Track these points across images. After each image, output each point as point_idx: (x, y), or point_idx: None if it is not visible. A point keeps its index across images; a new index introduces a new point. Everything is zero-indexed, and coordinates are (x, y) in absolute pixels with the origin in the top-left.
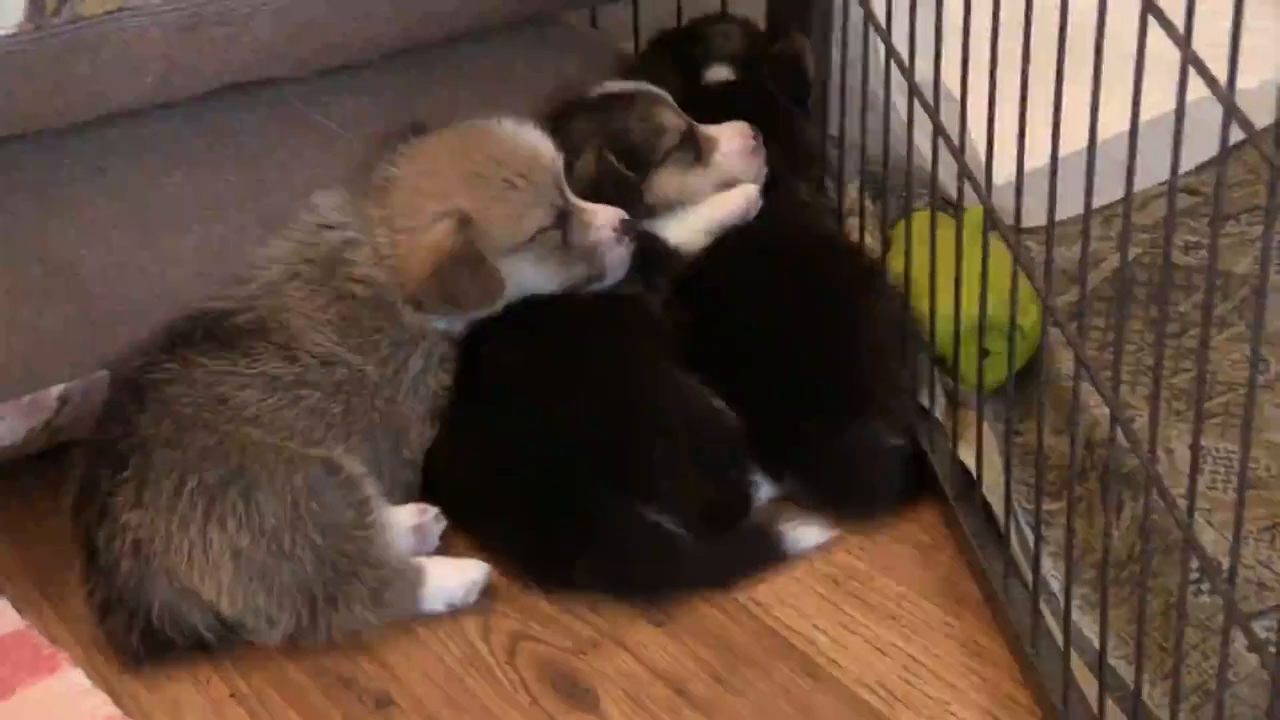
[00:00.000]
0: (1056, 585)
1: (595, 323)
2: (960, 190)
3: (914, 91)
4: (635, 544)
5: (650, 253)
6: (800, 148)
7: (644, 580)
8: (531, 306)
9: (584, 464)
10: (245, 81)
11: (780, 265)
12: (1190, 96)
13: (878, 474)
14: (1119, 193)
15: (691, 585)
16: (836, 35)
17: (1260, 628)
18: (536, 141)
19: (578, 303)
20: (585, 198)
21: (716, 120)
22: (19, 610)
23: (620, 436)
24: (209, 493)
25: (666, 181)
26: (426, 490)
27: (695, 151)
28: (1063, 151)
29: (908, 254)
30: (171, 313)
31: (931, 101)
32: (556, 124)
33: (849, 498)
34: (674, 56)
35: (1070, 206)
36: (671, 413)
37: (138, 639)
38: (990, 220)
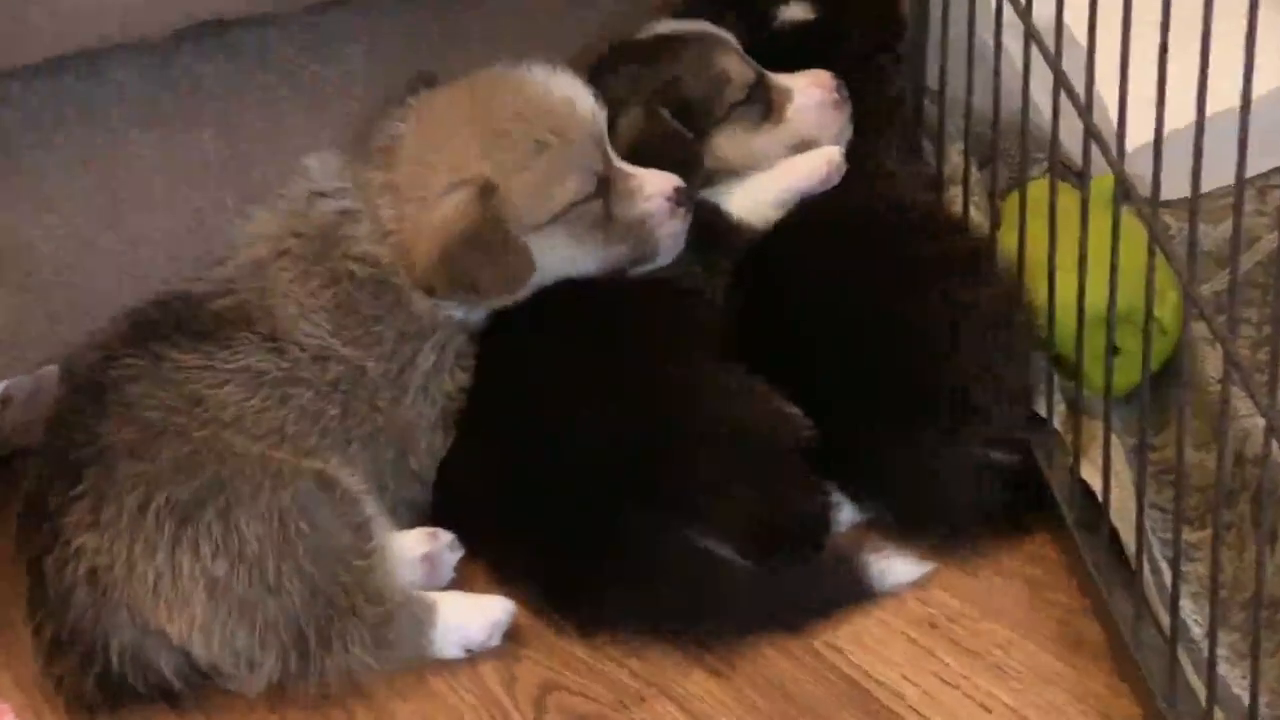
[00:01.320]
0: (1198, 630)
1: (642, 312)
2: (1086, 155)
3: (1031, 34)
4: (679, 573)
5: (709, 228)
6: (891, 103)
7: (693, 618)
8: (565, 293)
9: (622, 478)
10: (226, 21)
11: (865, 244)
12: None
13: (981, 495)
14: (1278, 159)
15: (753, 625)
16: None
17: None
18: (573, 93)
19: (621, 288)
20: (631, 161)
21: (790, 68)
22: None
23: (660, 445)
24: (180, 511)
25: (729, 142)
26: (438, 511)
27: (764, 106)
28: (1210, 110)
29: (1022, 231)
30: (136, 298)
31: (1052, 47)
32: (597, 72)
33: (946, 523)
34: None
35: (1218, 175)
36: (720, 416)
37: (94, 685)
38: (1122, 191)
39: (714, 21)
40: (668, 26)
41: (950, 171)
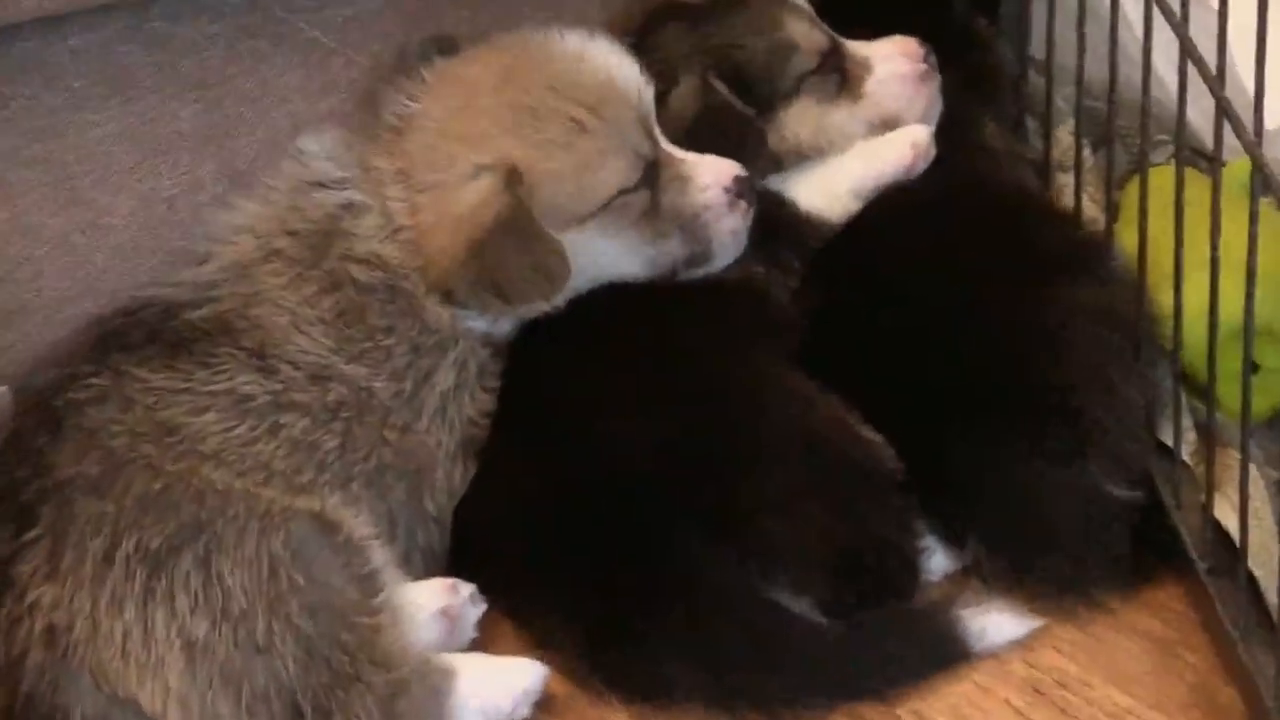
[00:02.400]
0: None
1: (698, 319)
2: (1218, 136)
3: None
4: (744, 629)
5: (775, 222)
6: (989, 73)
7: (759, 683)
8: (607, 300)
9: (678, 513)
10: None
11: (960, 239)
12: None
13: (1097, 537)
14: None
15: (829, 692)
16: None
17: None
18: (614, 63)
19: (673, 293)
20: (684, 144)
21: (870, 34)
22: None
23: (724, 466)
24: (152, 559)
25: (799, 121)
26: (458, 558)
27: (839, 78)
28: None
29: (1143, 225)
30: (100, 305)
31: (1177, 9)
32: (644, 39)
33: (1055, 570)
34: None
35: None
36: (795, 430)
37: None
38: (1261, 179)
39: None
40: None
41: (1059, 155)
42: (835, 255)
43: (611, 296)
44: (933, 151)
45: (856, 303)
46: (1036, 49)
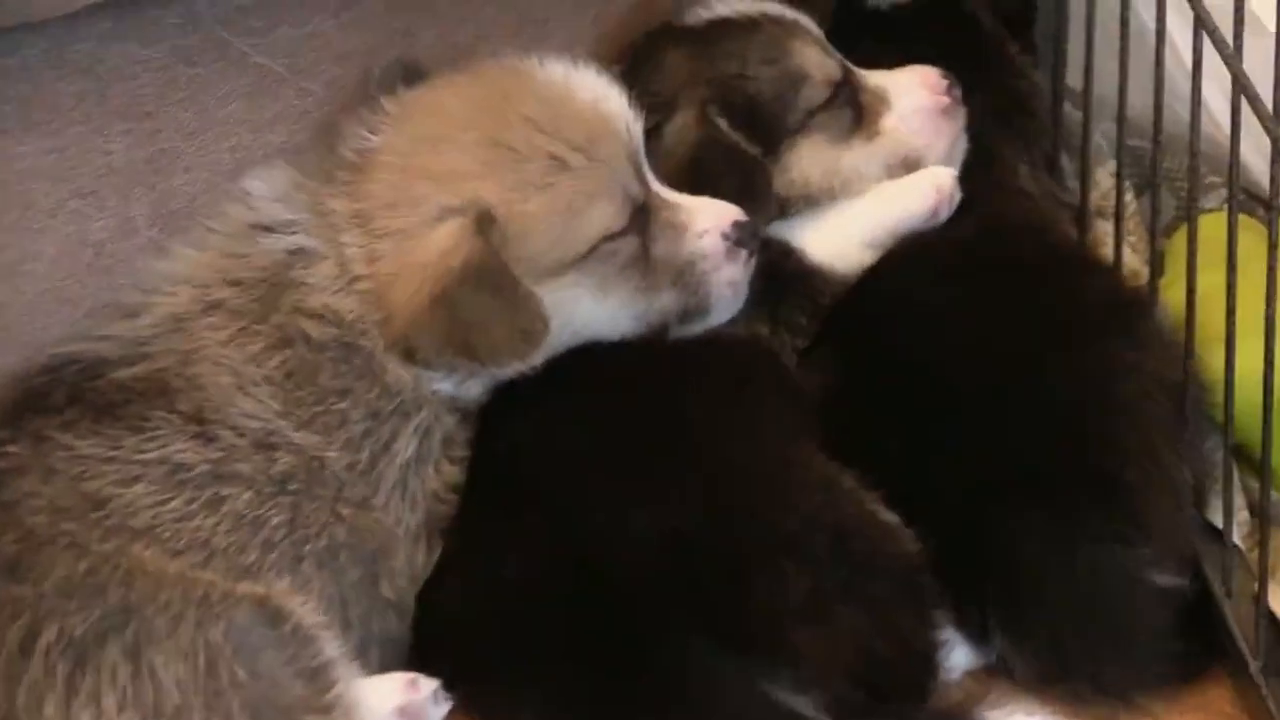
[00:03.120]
0: None
1: (695, 385)
2: (1275, 179)
3: (1202, 20)
4: None
5: (781, 274)
6: (1020, 107)
7: None
8: (590, 360)
9: (669, 610)
10: None
11: (986, 296)
12: None
13: (1136, 632)
14: None
15: None
16: None
17: None
18: (602, 94)
19: (666, 353)
20: (679, 185)
21: (888, 63)
22: None
23: (726, 555)
24: (76, 649)
25: (808, 161)
26: (419, 650)
27: (853, 113)
28: None
29: (1191, 280)
30: (17, 361)
31: (1229, 38)
32: (635, 66)
33: (1089, 668)
34: None
35: None
36: (808, 524)
37: None
38: None
39: (789, 0)
40: (727, 6)
41: (1098, 199)
42: (848, 312)
43: (595, 356)
44: (957, 195)
45: (871, 366)
46: (1074, 79)
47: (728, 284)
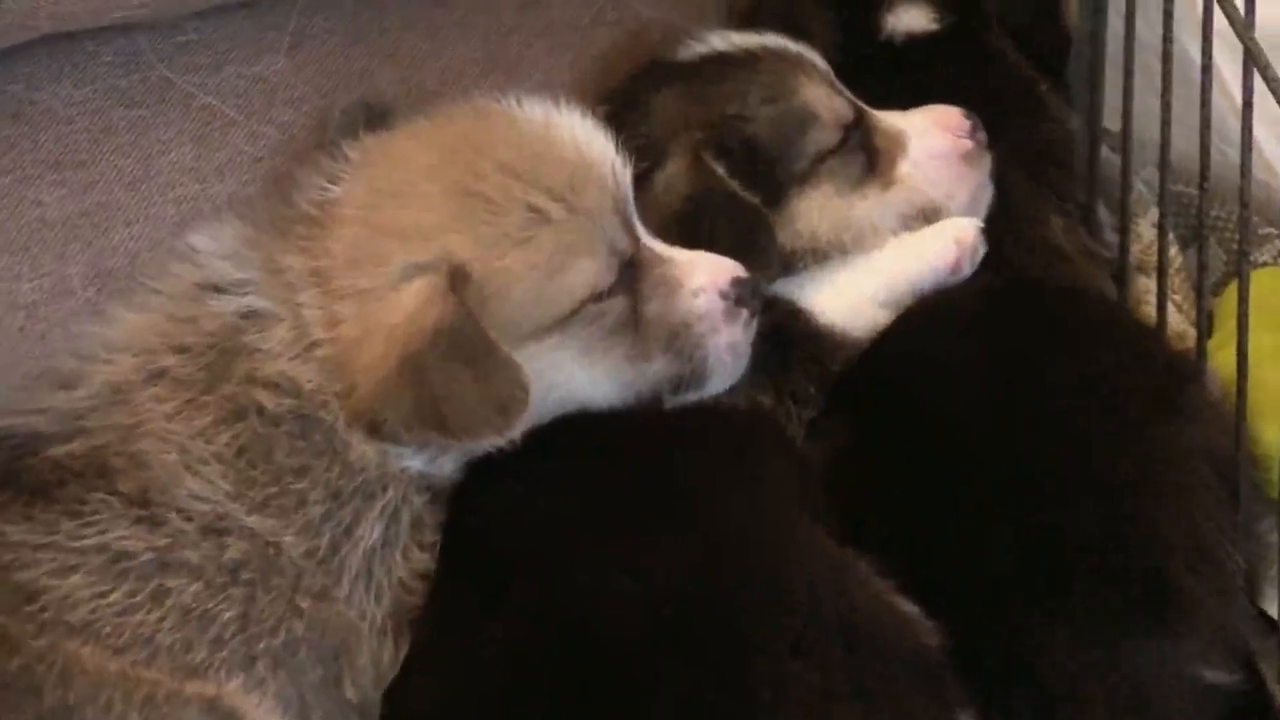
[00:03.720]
0: None
1: (685, 459)
2: None
3: (1252, 56)
4: None
5: (787, 337)
6: (1051, 152)
7: None
8: (575, 433)
9: (661, 707)
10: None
11: (1015, 363)
12: None
13: None
14: None
15: None
16: None
17: None
18: (586, 138)
19: (656, 424)
20: (672, 238)
21: (904, 102)
22: None
23: (724, 661)
24: None
25: (816, 210)
26: None
27: (866, 158)
28: None
29: (1242, 343)
30: None
31: None
32: (624, 107)
33: None
34: None
35: None
36: (815, 616)
37: None
38: None
39: (794, 32)
40: (724, 40)
41: (1140, 254)
42: (861, 380)
43: (580, 428)
44: (982, 249)
45: (887, 439)
46: (1111, 120)
47: (727, 348)
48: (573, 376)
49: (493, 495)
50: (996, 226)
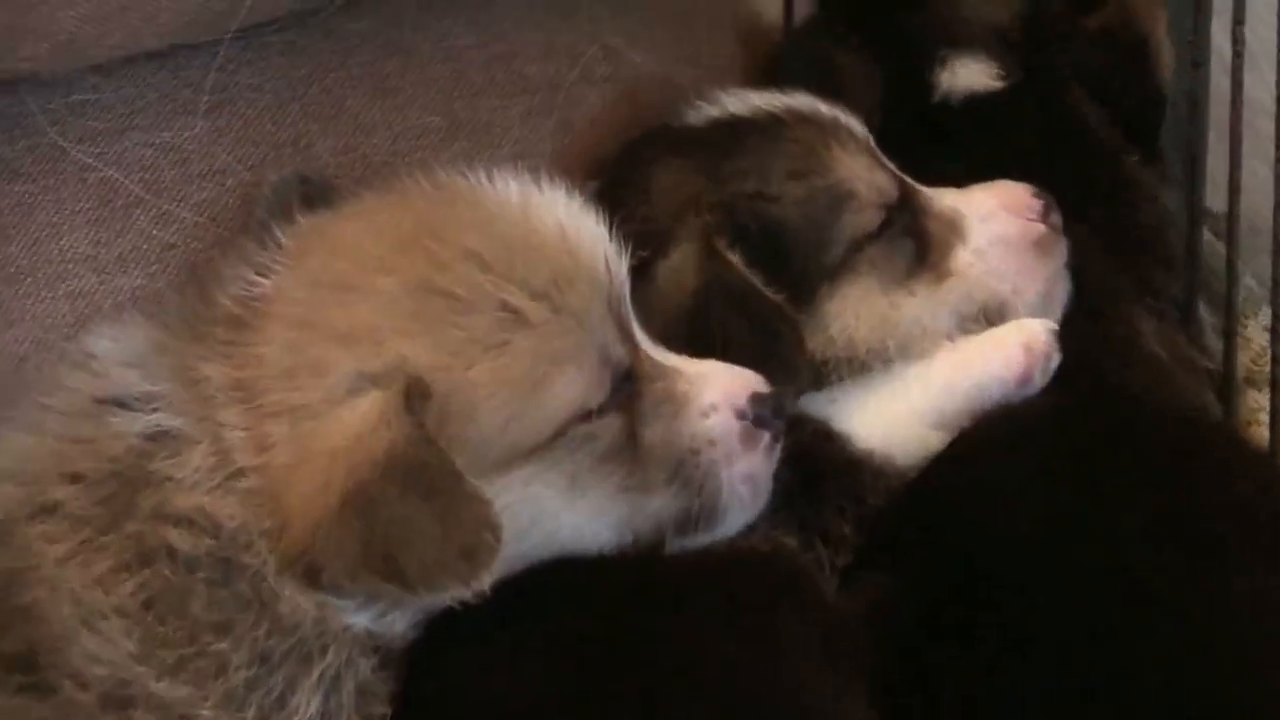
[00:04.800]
0: None
1: (694, 616)
2: None
3: None
4: None
5: (817, 465)
6: (1141, 238)
7: None
8: (556, 584)
9: None
10: None
11: (1097, 496)
12: None
13: None
14: None
15: None
16: (1222, 3)
17: None
18: (570, 221)
19: (658, 575)
20: (677, 344)
21: (963, 178)
22: None
23: None
24: None
25: (854, 310)
26: None
27: (915, 245)
28: None
29: None
30: None
31: None
32: (617, 183)
33: None
34: (871, 35)
35: None
36: None
37: None
38: None
39: (827, 91)
40: (740, 101)
41: (1248, 363)
42: (907, 520)
43: (563, 578)
44: (1056, 357)
45: (942, 593)
46: (1214, 199)
47: (743, 479)
48: (555, 514)
49: (455, 661)
50: (1074, 329)
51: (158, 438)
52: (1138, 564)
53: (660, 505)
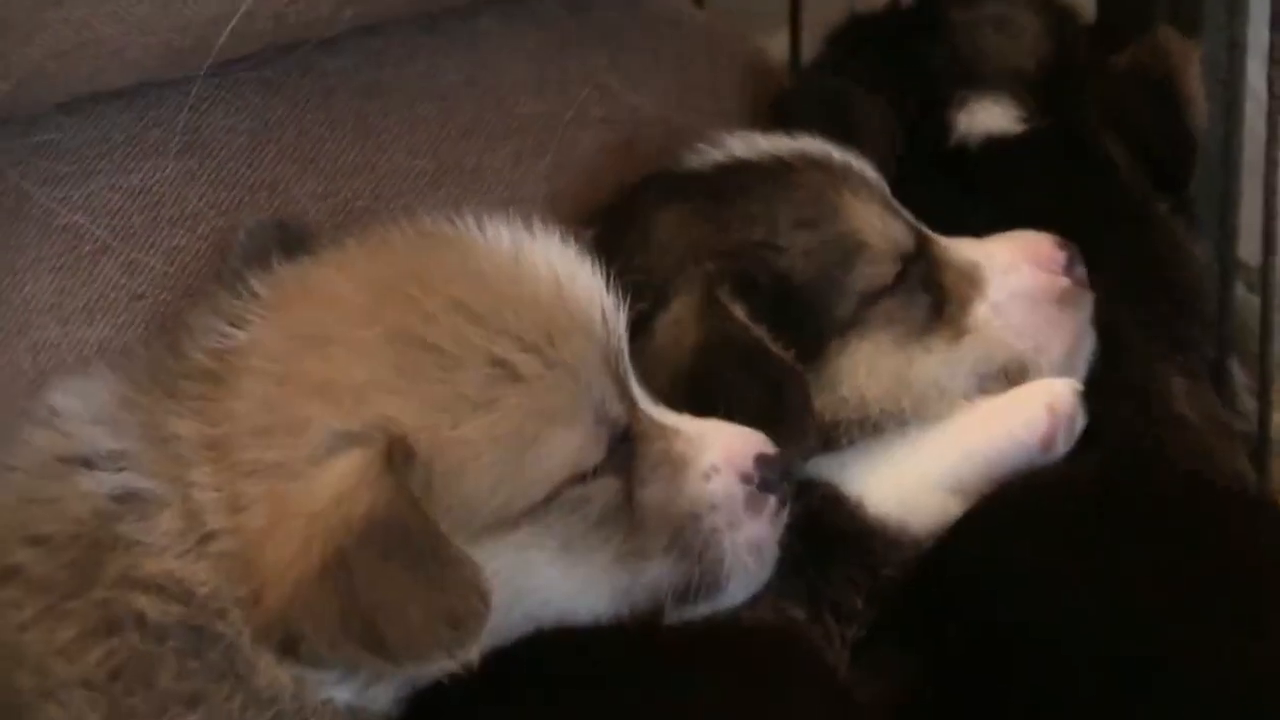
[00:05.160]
0: None
1: (693, 694)
2: None
3: None
4: None
5: (827, 532)
6: (1171, 293)
7: None
8: (548, 656)
9: None
10: None
11: (1125, 566)
12: None
13: None
14: None
15: None
16: (1257, 41)
17: None
18: (565, 271)
19: (657, 647)
20: (678, 402)
21: (982, 227)
22: None
23: None
24: None
25: (866, 368)
26: None
27: (932, 300)
28: None
29: None
30: None
31: None
32: (614, 231)
33: None
34: (884, 74)
35: None
36: None
37: None
38: None
39: (839, 134)
40: (746, 144)
41: None
42: (923, 592)
43: (556, 649)
44: (1081, 420)
45: (961, 669)
46: (1248, 250)
47: (748, 547)
48: (548, 581)
49: None
50: (1101, 389)
51: (125, 498)
52: (1166, 645)
53: (659, 573)
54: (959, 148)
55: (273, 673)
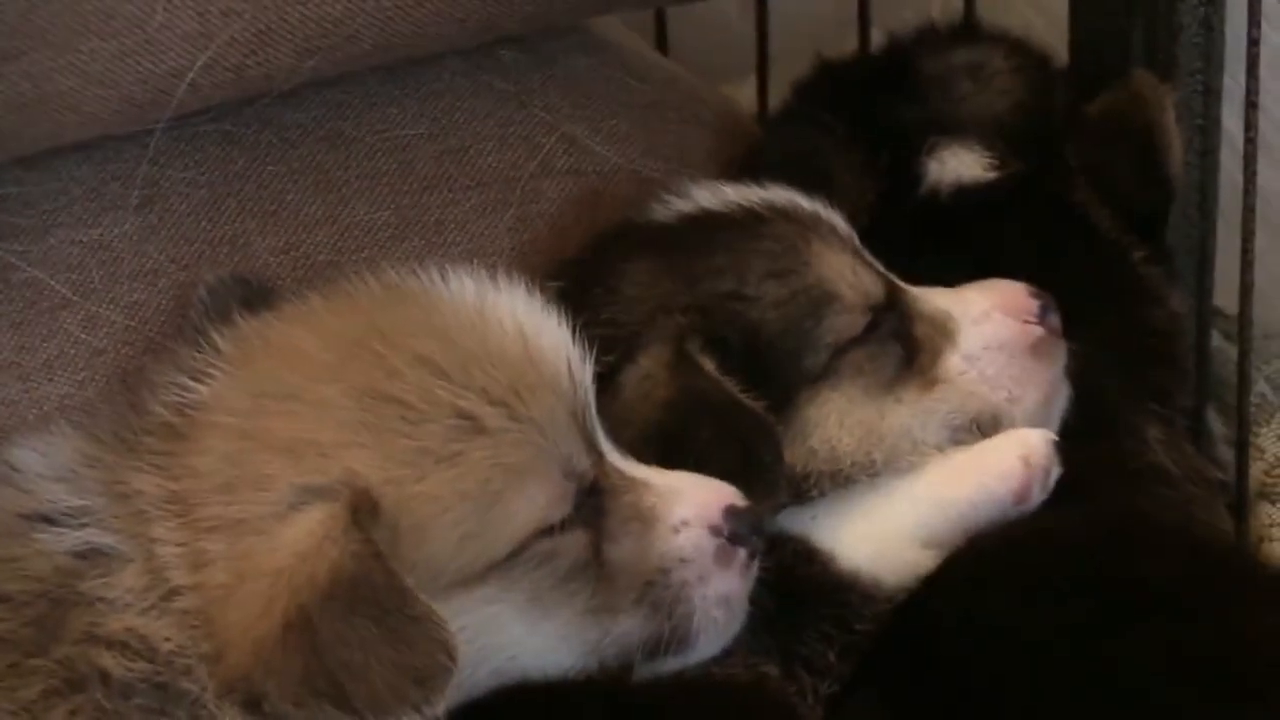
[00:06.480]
0: None
1: None
2: None
3: None
4: None
5: (798, 586)
6: (1147, 340)
7: None
8: (515, 712)
9: None
10: None
11: (1102, 623)
12: None
13: None
14: None
15: None
16: (1233, 87)
17: None
18: (530, 324)
19: (625, 703)
20: (647, 455)
21: (953, 276)
22: None
23: None
24: None
25: (836, 419)
26: None
27: (903, 350)
28: None
29: None
30: None
31: None
32: (581, 284)
33: None
34: (854, 122)
35: None
36: None
37: None
38: None
39: (808, 184)
40: (714, 195)
41: (1262, 475)
42: (897, 646)
43: (523, 705)
44: (1056, 471)
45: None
46: (1224, 298)
47: (718, 601)
48: (515, 637)
49: None
50: (1076, 440)
51: (88, 555)
52: (1143, 701)
53: (628, 628)
54: (930, 196)
55: None
